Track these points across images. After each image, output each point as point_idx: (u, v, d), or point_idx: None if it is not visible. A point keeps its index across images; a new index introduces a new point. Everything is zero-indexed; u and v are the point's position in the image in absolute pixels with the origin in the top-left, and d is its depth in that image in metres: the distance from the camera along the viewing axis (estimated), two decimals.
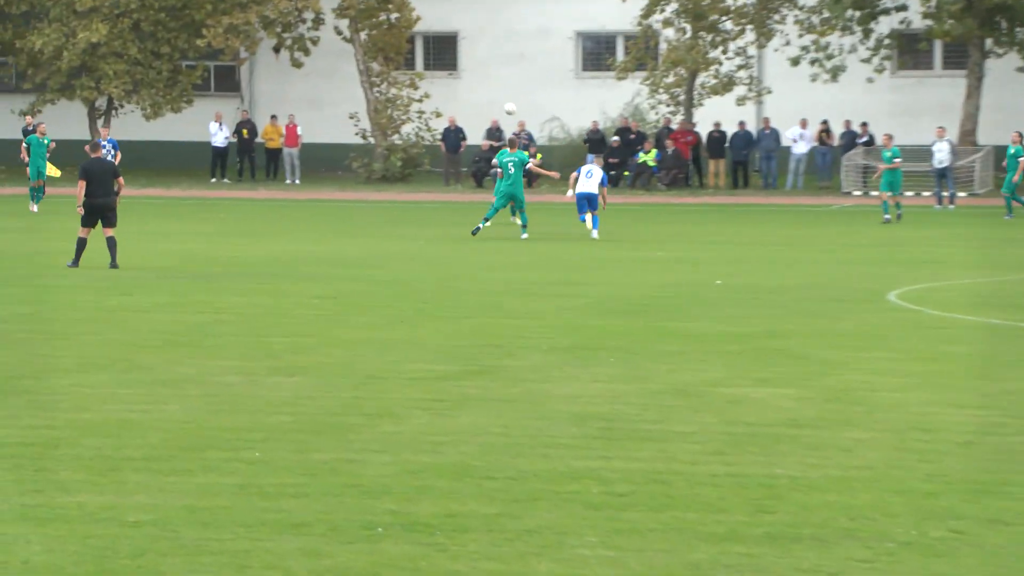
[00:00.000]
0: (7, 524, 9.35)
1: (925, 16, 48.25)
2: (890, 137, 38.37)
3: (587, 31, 55.90)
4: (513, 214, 33.31)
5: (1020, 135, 38.73)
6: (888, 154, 37.27)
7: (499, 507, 9.83)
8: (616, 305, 20.12)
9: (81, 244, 24.27)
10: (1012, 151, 38.65)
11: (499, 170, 31.46)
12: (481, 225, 31.01)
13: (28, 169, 38.47)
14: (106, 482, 10.42)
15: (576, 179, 32.15)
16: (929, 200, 45.05)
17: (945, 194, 43.89)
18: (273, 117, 53.86)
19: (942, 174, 43.73)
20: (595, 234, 31.01)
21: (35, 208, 37.83)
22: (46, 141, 38.40)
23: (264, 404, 13.15)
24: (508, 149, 31.74)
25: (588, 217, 31.37)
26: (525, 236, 30.90)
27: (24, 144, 38.73)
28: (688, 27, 50.29)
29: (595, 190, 31.59)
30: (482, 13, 56.31)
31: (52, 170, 39.55)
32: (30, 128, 40.72)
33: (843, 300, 20.79)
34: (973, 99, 48.75)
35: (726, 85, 49.92)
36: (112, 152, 40.56)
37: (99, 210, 24.16)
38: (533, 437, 11.89)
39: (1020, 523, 9.52)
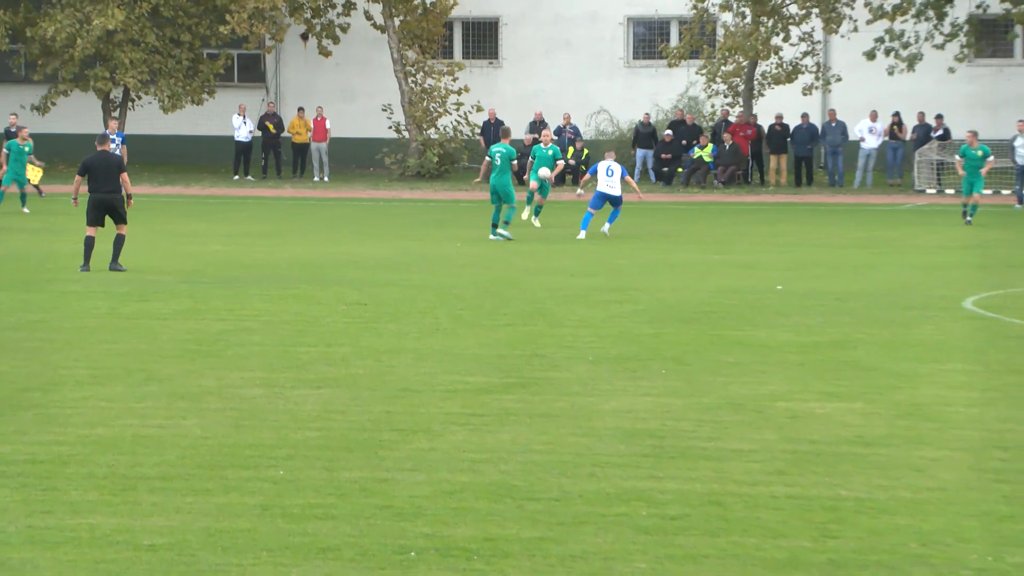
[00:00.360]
0: (14, 548, 9.41)
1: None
2: (975, 134, 37.92)
3: (639, 16, 55.85)
4: (537, 213, 33.43)
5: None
6: (978, 153, 36.71)
7: (542, 531, 9.84)
8: (669, 312, 20.10)
9: (89, 244, 24.53)
10: None
11: (512, 163, 31.89)
12: (494, 235, 30.98)
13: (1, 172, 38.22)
14: (119, 502, 10.47)
15: (588, 179, 32.80)
16: (1009, 199, 44.79)
17: None
18: (300, 109, 53.99)
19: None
20: (607, 229, 32.05)
21: None
22: (27, 148, 38.30)
23: (289, 419, 13.20)
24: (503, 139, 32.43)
25: (591, 220, 31.98)
26: (505, 235, 30.87)
27: (4, 150, 38.50)
28: (748, 11, 50.13)
29: (619, 191, 31.70)
30: None
31: (33, 173, 39.59)
32: (12, 129, 40.70)
33: (915, 307, 20.70)
34: None
35: (790, 74, 49.69)
36: (118, 147, 40.72)
37: (104, 206, 24.36)
38: (579, 455, 11.90)
39: None
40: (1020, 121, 44.39)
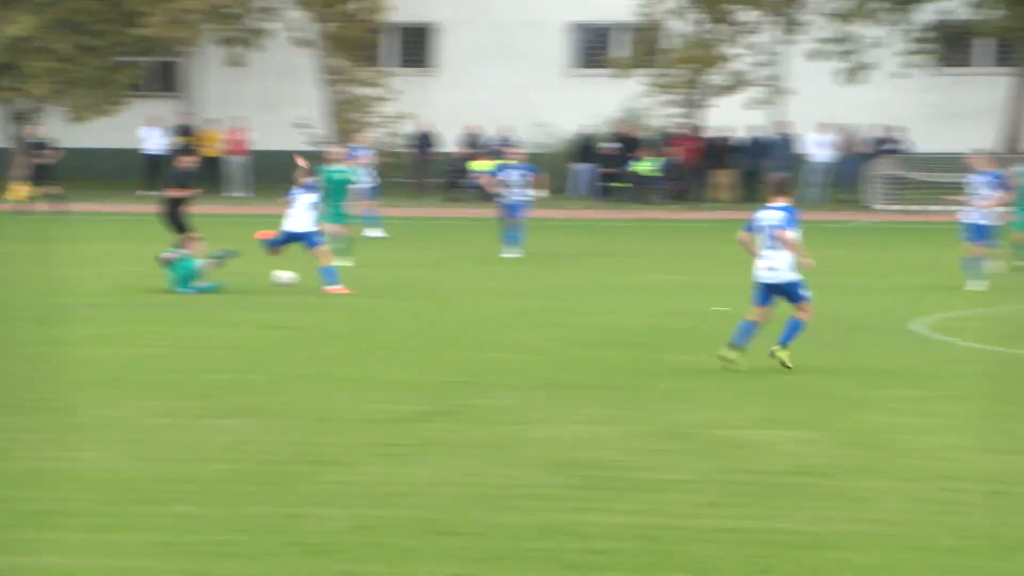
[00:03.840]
0: None
1: (968, 3, 48.34)
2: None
3: (582, 22, 56.03)
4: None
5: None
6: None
7: (462, 567, 9.87)
8: (605, 336, 20.18)
9: None
10: None
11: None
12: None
13: None
14: (11, 539, 10.41)
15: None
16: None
17: None
18: (212, 121, 53.72)
19: None
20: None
21: None
22: None
23: (196, 451, 13.17)
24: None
25: None
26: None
27: None
28: (699, 17, 50.30)
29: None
30: (462, 1, 56.44)
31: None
32: None
33: (863, 330, 20.86)
34: (1020, 101, 48.94)
35: (736, 85, 49.93)
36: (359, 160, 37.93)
37: None
38: (502, 487, 11.93)
39: None
40: None
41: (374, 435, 13.83)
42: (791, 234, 17.22)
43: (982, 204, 26.22)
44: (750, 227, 17.51)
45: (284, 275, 26.63)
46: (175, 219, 27.31)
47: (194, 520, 10.93)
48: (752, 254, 17.46)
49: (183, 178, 27.78)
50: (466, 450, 13.24)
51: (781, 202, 17.47)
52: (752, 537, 10.56)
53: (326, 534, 10.59)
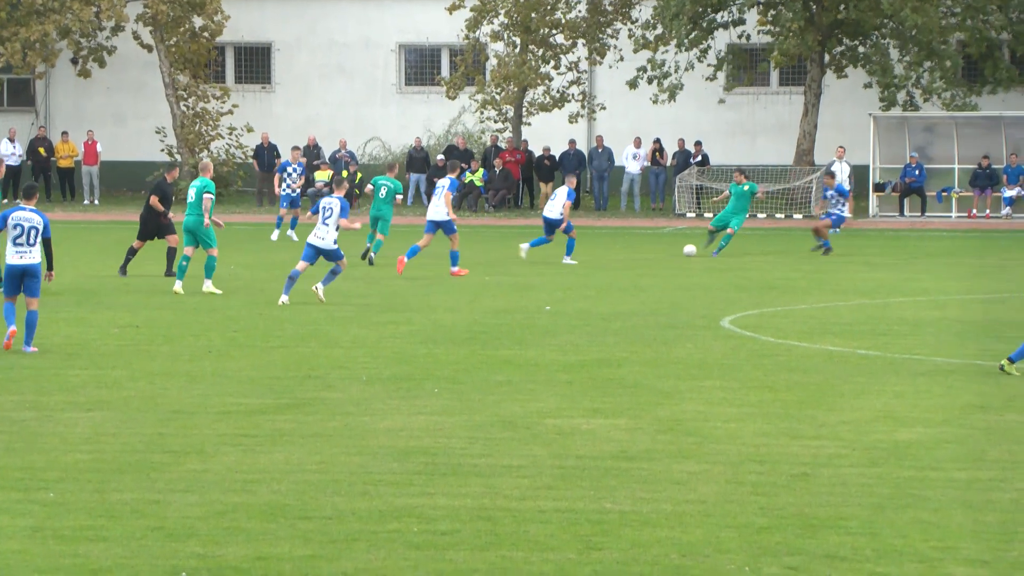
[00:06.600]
0: None
1: (763, 30, 49.16)
2: (742, 173, 37.77)
3: (411, 43, 56.02)
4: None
5: (742, 172, 37.11)
6: (744, 189, 36.50)
7: (314, 548, 9.81)
8: (442, 333, 20.18)
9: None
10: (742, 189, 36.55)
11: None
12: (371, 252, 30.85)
13: None
14: None
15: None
16: (793, 223, 45.81)
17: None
18: (64, 133, 52.88)
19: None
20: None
21: None
22: None
23: (60, 442, 12.95)
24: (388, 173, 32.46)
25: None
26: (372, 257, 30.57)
27: None
28: (518, 40, 50.72)
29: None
30: (298, 23, 56.10)
31: None
32: None
33: (677, 327, 21.08)
34: (810, 117, 49.85)
35: (557, 101, 50.43)
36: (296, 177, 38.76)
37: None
38: (352, 474, 11.89)
39: (856, 558, 9.76)
40: (840, 148, 44.92)
41: (228, 427, 13.70)
42: None
43: None
44: None
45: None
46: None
47: (60, 506, 10.76)
48: None
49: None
50: (316, 440, 13.17)
51: None
52: (583, 517, 10.64)
53: (186, 519, 10.47)
